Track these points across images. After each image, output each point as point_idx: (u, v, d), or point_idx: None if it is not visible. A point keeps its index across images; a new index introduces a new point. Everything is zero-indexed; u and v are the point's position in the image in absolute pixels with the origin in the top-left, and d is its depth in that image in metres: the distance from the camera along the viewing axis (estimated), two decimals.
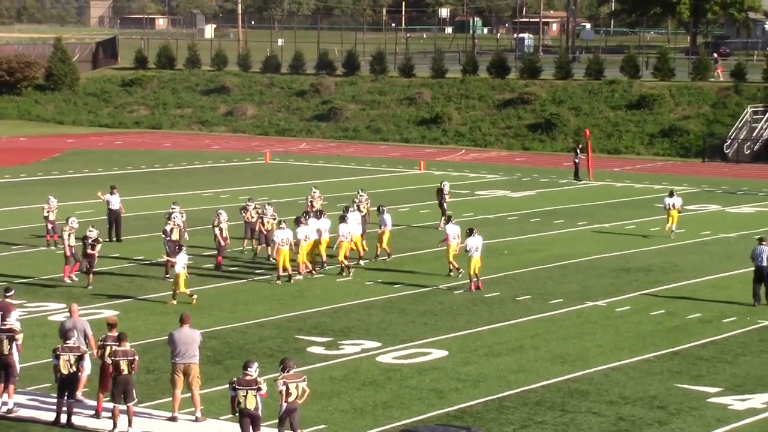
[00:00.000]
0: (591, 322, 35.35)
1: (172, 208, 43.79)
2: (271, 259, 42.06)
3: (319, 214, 43.70)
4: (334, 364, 30.52)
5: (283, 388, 23.42)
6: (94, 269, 38.66)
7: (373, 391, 28.30)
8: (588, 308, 37.07)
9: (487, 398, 27.79)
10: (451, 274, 41.16)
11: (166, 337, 26.97)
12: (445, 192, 53.22)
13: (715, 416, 26.67)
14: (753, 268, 38.33)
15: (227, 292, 38.81)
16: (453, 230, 41.31)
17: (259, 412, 23.49)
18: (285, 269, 39.90)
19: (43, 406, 26.75)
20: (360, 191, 49.42)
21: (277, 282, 39.74)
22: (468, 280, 39.29)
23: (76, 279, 39.27)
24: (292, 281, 39.96)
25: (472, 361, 30.98)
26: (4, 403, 26.74)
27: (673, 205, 51.03)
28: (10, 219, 52.78)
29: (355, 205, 47.06)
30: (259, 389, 23.46)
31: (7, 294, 29.06)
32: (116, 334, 25.86)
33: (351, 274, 41.39)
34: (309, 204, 48.12)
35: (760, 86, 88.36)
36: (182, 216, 43.05)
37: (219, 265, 41.90)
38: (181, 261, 36.47)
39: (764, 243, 38.47)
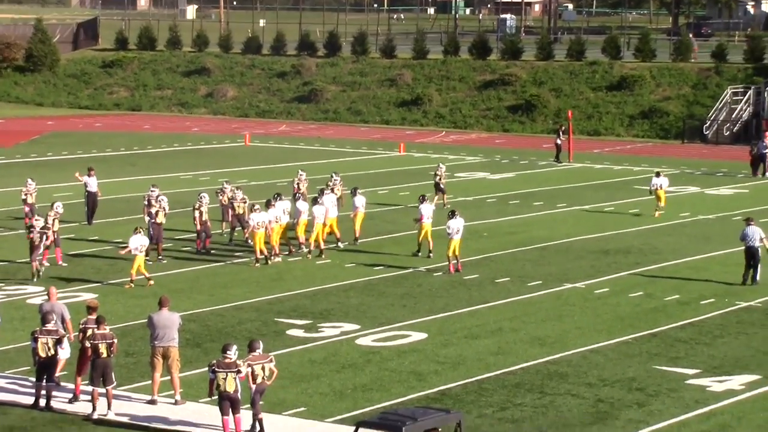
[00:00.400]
0: (570, 305, 35.44)
1: (152, 191, 43.74)
2: (248, 242, 42.04)
3: (298, 197, 43.97)
4: (313, 347, 30.55)
5: (248, 369, 23.52)
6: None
7: (352, 373, 28.36)
8: (567, 290, 37.16)
9: (467, 380, 27.86)
10: (419, 254, 41.37)
11: (146, 320, 27.01)
12: (439, 173, 53.29)
13: (693, 398, 26.78)
14: (737, 249, 38.56)
15: (206, 275, 38.82)
16: (427, 210, 41.48)
17: (239, 394, 23.57)
18: (261, 252, 39.99)
19: (22, 390, 26.76)
20: (334, 174, 49.37)
21: (256, 265, 39.76)
22: (447, 262, 39.34)
23: (48, 264, 39.07)
24: (269, 263, 40.02)
25: (452, 343, 31.04)
26: None
27: (660, 186, 51.83)
28: None
29: (329, 187, 47.03)
30: (238, 372, 23.53)
31: None
32: (93, 316, 25.90)
33: (323, 256, 41.39)
34: (296, 186, 47.91)
35: (740, 67, 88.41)
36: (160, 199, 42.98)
37: (200, 248, 41.89)
38: (136, 243, 36.34)
39: (752, 223, 38.78)
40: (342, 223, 43.82)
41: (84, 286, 36.55)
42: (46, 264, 38.94)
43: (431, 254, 41.03)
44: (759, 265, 38.24)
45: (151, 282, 36.34)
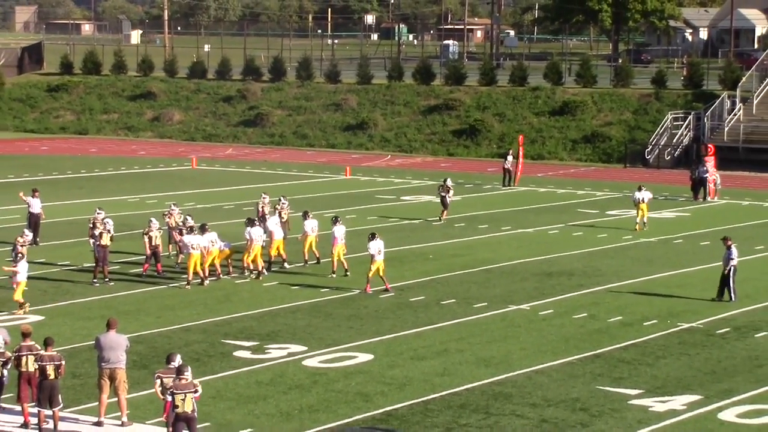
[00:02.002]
0: (515, 326, 35.50)
1: (98, 213, 43.59)
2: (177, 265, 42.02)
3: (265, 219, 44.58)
4: (260, 368, 30.48)
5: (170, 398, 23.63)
6: None
7: (299, 394, 28.30)
8: (512, 312, 37.23)
9: (413, 401, 27.85)
10: (334, 275, 41.69)
11: (93, 342, 26.89)
12: (448, 185, 55.87)
13: (636, 418, 26.89)
14: (679, 271, 38.87)
15: (154, 297, 38.67)
16: (340, 231, 42.11)
17: (195, 414, 23.53)
18: (196, 273, 39.89)
19: None
20: (282, 197, 49.34)
21: (187, 287, 39.66)
22: (366, 282, 39.45)
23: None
24: (203, 284, 39.92)
25: (398, 364, 31.03)
26: None
27: (642, 199, 53.08)
28: None
29: (276, 210, 47.06)
30: (195, 391, 23.49)
31: None
32: (31, 343, 25.70)
33: (257, 277, 41.43)
34: (259, 210, 47.70)
35: (680, 93, 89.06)
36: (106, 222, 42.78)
37: (145, 272, 41.66)
38: (23, 269, 35.92)
39: (730, 241, 39.76)
40: (292, 246, 43.85)
41: (30, 309, 36.24)
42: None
43: (347, 273, 41.59)
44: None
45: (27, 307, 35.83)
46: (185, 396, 23.41)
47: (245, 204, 56.94)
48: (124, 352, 26.11)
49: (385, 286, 39.39)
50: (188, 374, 23.69)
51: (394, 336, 33.93)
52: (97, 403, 26.03)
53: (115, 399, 25.85)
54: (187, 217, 43.93)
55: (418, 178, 72.16)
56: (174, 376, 23.96)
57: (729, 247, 39.51)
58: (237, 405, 27.14)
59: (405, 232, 52.13)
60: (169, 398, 23.58)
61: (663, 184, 69.62)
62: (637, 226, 53.25)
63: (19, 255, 36.99)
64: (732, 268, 39.22)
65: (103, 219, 42.40)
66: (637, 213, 53.59)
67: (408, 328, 34.92)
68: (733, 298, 38.98)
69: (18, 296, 35.50)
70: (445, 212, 55.82)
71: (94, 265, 40.94)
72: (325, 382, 29.32)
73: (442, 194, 55.67)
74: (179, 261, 41.80)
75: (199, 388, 23.71)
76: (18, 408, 25.84)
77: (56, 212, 53.06)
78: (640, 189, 53.77)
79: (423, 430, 25.68)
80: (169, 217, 44.96)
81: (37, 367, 25.27)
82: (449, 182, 56.75)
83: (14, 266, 36.29)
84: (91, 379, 27.42)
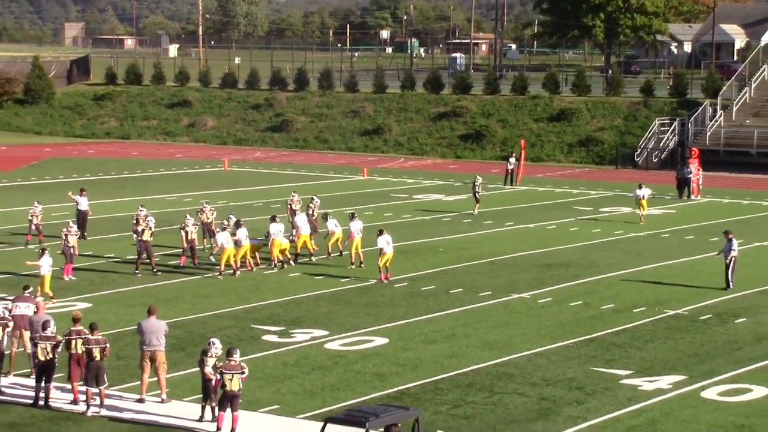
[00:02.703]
0: (516, 313, 35.52)
1: (140, 210, 43.71)
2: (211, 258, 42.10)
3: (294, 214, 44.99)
4: (286, 351, 30.52)
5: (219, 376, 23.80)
6: None
7: (321, 375, 28.33)
8: (514, 300, 37.23)
9: (424, 381, 27.87)
10: (352, 266, 41.60)
11: (135, 327, 26.97)
12: (477, 184, 56.63)
13: (626, 396, 26.88)
14: (666, 263, 38.77)
15: (190, 287, 38.74)
16: (356, 226, 41.96)
17: (240, 392, 23.81)
18: (228, 265, 40.00)
19: (23, 391, 26.67)
20: (314, 196, 49.42)
21: (219, 277, 39.75)
22: (379, 272, 39.50)
23: (75, 278, 39.10)
24: (234, 275, 39.97)
25: (410, 347, 31.05)
26: None
27: (643, 196, 54.30)
28: None
29: (309, 207, 47.21)
30: (242, 372, 23.65)
31: (26, 292, 29.44)
32: (80, 327, 25.81)
33: (282, 267, 41.40)
34: (288, 207, 47.83)
35: (666, 101, 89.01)
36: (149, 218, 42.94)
37: (183, 264, 41.75)
38: (45, 264, 35.89)
39: (731, 235, 39.83)
40: (320, 240, 43.95)
41: (79, 297, 36.38)
42: (74, 278, 39.07)
43: (363, 264, 41.48)
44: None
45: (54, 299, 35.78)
46: (233, 376, 23.59)
47: (273, 202, 57.03)
48: (164, 336, 26.18)
49: (384, 277, 39.34)
50: (237, 356, 23.88)
51: (407, 322, 33.95)
52: (139, 382, 26.11)
53: (156, 378, 25.94)
54: (230, 216, 43.87)
55: (428, 179, 72.17)
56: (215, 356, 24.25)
57: (730, 240, 39.49)
58: (265, 384, 27.19)
59: (416, 227, 52.15)
60: (218, 376, 23.76)
61: (651, 184, 69.13)
62: (641, 220, 53.98)
63: (42, 250, 36.99)
64: (733, 258, 39.23)
65: (145, 216, 42.54)
66: (639, 208, 54.35)
67: (420, 314, 34.96)
68: (730, 286, 38.95)
69: (46, 288, 35.50)
70: (478, 206, 56.41)
71: (136, 257, 41.05)
72: (344, 364, 29.36)
73: (476, 191, 56.54)
74: (214, 252, 41.80)
75: (246, 370, 23.91)
76: (68, 386, 25.96)
77: (102, 209, 53.15)
78: (640, 187, 54.80)
79: (433, 407, 25.68)
80: (201, 214, 45.04)
81: (84, 349, 25.39)
82: (478, 180, 57.40)
83: (36, 262, 36.27)
84: (134, 361, 27.49)
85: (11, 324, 27.57)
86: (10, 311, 28.33)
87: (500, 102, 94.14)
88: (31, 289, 30.40)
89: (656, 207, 58.97)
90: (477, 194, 56.63)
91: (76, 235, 40.65)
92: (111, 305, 35.38)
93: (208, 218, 44.74)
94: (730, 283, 39.10)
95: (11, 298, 30.24)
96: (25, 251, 43.19)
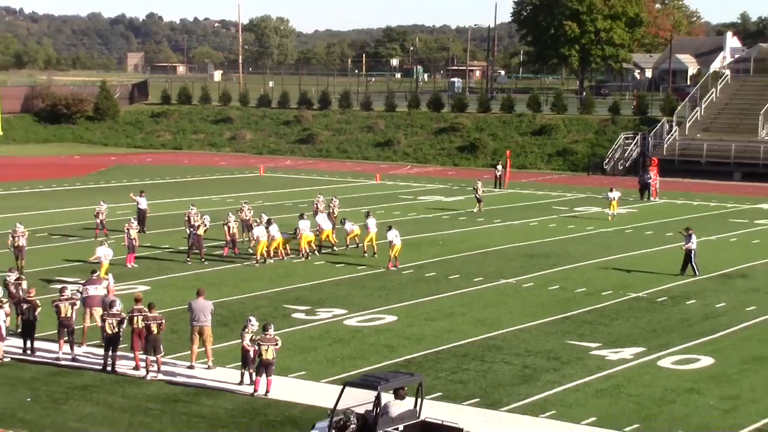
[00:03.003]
0: (504, 295, 35.59)
1: (191, 209, 43.90)
2: (249, 249, 42.14)
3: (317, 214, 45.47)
4: (311, 327, 30.66)
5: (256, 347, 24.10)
6: None
7: (341, 346, 28.47)
8: (502, 284, 37.30)
9: (426, 352, 28.01)
10: (366, 254, 41.65)
11: (186, 306, 27.15)
12: (477, 188, 57.37)
13: (595, 364, 26.99)
14: (629, 254, 38.81)
15: (232, 273, 38.88)
16: (372, 222, 42.20)
17: (275, 360, 24.09)
18: (261, 255, 40.20)
19: (92, 359, 26.85)
20: (334, 197, 49.64)
21: (256, 265, 39.86)
22: (388, 260, 39.66)
23: (137, 266, 39.31)
24: (266, 263, 40.07)
25: (415, 324, 31.16)
26: (66, 354, 26.93)
27: (614, 198, 54.83)
28: (69, 217, 52.61)
29: (330, 207, 47.34)
30: (276, 344, 23.85)
31: (93, 275, 29.72)
32: (140, 306, 26.02)
33: (308, 257, 41.44)
34: (315, 207, 47.91)
35: (630, 118, 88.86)
36: (199, 215, 43.10)
37: (226, 254, 41.91)
38: (103, 253, 35.98)
39: (691, 231, 39.99)
40: (339, 234, 44.03)
41: (140, 281, 36.56)
42: (135, 265, 39.28)
43: (376, 255, 41.56)
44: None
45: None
46: (268, 347, 23.83)
47: (300, 202, 57.10)
48: (210, 314, 26.36)
49: (392, 265, 39.41)
50: (271, 331, 24.13)
51: (412, 302, 34.05)
52: (189, 352, 26.31)
53: (203, 349, 26.11)
54: (262, 214, 44.00)
55: (431, 183, 72.14)
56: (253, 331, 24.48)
57: (689, 235, 39.53)
58: (294, 354, 27.32)
59: (419, 224, 52.22)
60: (256, 348, 24.00)
61: (617, 188, 69.40)
62: (609, 217, 53.98)
63: (102, 241, 37.26)
64: (693, 251, 39.24)
65: (195, 213, 42.78)
66: (610, 207, 54.52)
67: (423, 296, 35.05)
68: (696, 273, 38.95)
69: (102, 273, 35.55)
70: (480, 205, 56.79)
71: (187, 248, 41.25)
72: (360, 337, 29.49)
73: (477, 193, 57.21)
74: (251, 245, 41.89)
75: (279, 342, 24.18)
76: (131, 355, 26.14)
77: (158, 208, 53.30)
78: (611, 190, 55.28)
79: (434, 374, 25.81)
80: (241, 212, 45.17)
81: (144, 324, 25.57)
82: (478, 184, 57.81)
83: (96, 256, 36.25)
84: (185, 334, 27.65)
85: (78, 302, 27.85)
86: (81, 293, 28.61)
87: (491, 119, 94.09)
88: (98, 273, 30.75)
89: (621, 207, 58.87)
90: (477, 196, 56.87)
91: (136, 229, 40.93)
92: (166, 288, 35.57)
93: (246, 216, 44.90)
94: (696, 271, 39.06)
95: (83, 281, 30.41)
96: (94, 243, 43.39)
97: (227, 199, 59.88)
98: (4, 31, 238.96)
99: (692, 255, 39.33)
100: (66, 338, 27.13)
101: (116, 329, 25.88)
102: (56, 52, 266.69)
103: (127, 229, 39.75)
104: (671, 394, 24.76)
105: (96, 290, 28.57)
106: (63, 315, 27.09)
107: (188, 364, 26.24)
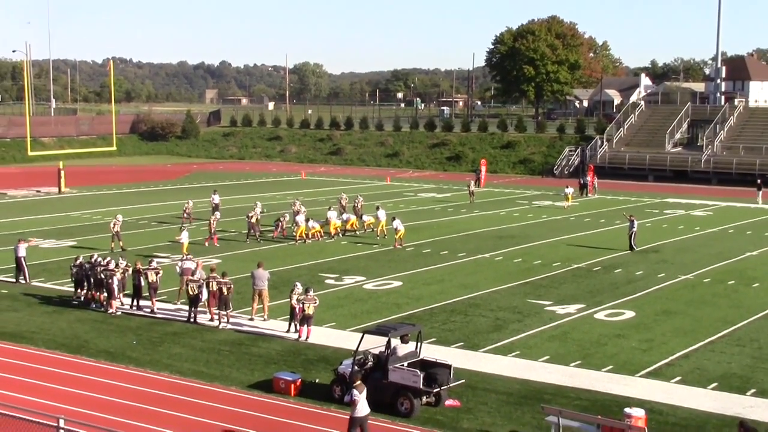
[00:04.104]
0: (481, 266, 35.40)
1: (255, 204, 43.68)
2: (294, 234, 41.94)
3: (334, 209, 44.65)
4: (339, 290, 30.51)
5: (300, 305, 23.79)
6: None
7: (361, 304, 28.32)
8: (479, 258, 37.11)
9: (424, 308, 27.85)
10: (378, 237, 41.23)
11: (249, 274, 27.00)
12: (470, 186, 59.05)
13: (548, 317, 26.80)
14: (573, 235, 38.59)
15: (280, 250, 38.70)
16: (381, 214, 41.75)
17: (314, 315, 23.89)
18: (301, 237, 40.10)
19: (178, 314, 26.70)
20: (359, 195, 49.57)
21: (296, 244, 39.62)
22: (393, 242, 39.50)
23: (217, 245, 38.98)
24: (306, 242, 39.90)
25: (416, 288, 30.99)
26: (149, 308, 26.81)
27: (569, 193, 56.10)
28: (163, 209, 52.53)
29: (355, 204, 47.05)
30: (315, 302, 23.72)
31: (188, 257, 29.60)
32: (215, 274, 25.92)
33: (333, 239, 41.16)
34: (339, 203, 47.62)
35: (572, 136, 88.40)
36: (259, 208, 42.92)
37: (276, 236, 41.77)
38: (184, 237, 36.01)
39: (633, 217, 39.82)
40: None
41: (214, 255, 36.41)
42: (217, 245, 39.02)
43: (385, 236, 41.15)
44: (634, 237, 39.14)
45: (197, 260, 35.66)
46: (309, 305, 23.69)
47: (332, 198, 56.94)
48: (267, 280, 26.21)
49: (398, 245, 39.11)
50: (311, 293, 24.00)
51: (413, 272, 33.88)
52: (250, 308, 26.16)
53: (261, 306, 25.96)
54: (300, 206, 43.88)
55: (427, 184, 71.91)
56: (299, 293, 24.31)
57: (632, 221, 39.33)
58: (327, 309, 27.17)
59: (418, 213, 52.03)
60: (300, 305, 23.86)
61: (562, 187, 69.14)
62: (565, 206, 54.37)
63: (182, 227, 37.29)
64: (633, 233, 39.01)
65: (256, 209, 42.34)
66: (565, 200, 55.24)
67: (421, 267, 34.88)
68: (634, 248, 38.71)
69: (184, 249, 35.32)
70: (473, 197, 57.95)
71: (246, 232, 41.09)
72: (375, 297, 29.33)
73: (471, 188, 58.84)
74: (294, 230, 41.59)
75: (317, 301, 24.04)
76: (206, 311, 26.02)
77: (228, 203, 53.23)
78: (567, 187, 56.80)
79: (430, 324, 25.63)
80: (293, 206, 44.99)
81: (217, 287, 25.44)
82: (472, 185, 59.38)
83: (179, 237, 36.32)
84: (247, 295, 27.52)
85: (161, 271, 27.60)
86: (179, 266, 28.31)
87: (471, 136, 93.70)
88: (191, 255, 30.49)
89: (563, 202, 58.68)
90: (471, 190, 58.42)
91: (216, 219, 40.71)
92: (234, 261, 35.40)
93: (297, 208, 44.58)
94: (634, 247, 38.78)
95: (179, 257, 30.25)
96: (180, 228, 43.34)
97: (277, 196, 59.76)
98: (119, 74, 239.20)
99: (632, 235, 39.04)
100: (156, 298, 27.04)
101: (196, 291, 25.74)
102: (155, 90, 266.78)
103: (212, 220, 39.92)
104: (604, 338, 24.55)
105: (190, 263, 28.40)
106: (151, 280, 27.02)
107: (249, 317, 26.10)
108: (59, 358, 22.37)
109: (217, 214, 41.07)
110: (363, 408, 16.53)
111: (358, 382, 16.79)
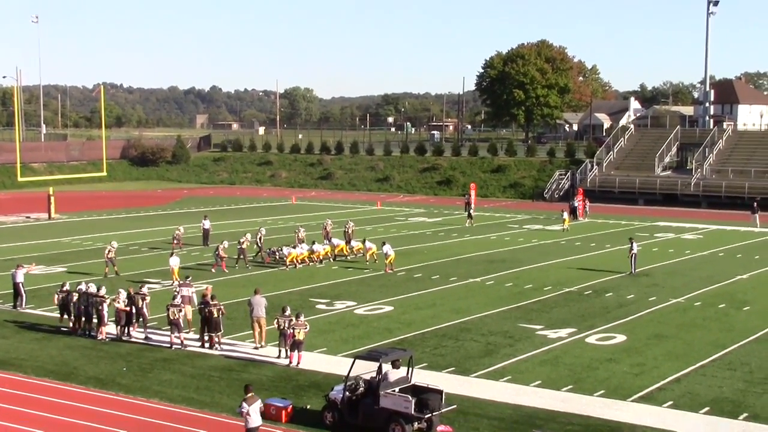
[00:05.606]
0: (473, 290, 35.37)
1: (258, 232, 43.53)
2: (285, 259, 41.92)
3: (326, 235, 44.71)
4: (330, 315, 30.42)
5: (291, 330, 23.84)
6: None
7: (352, 329, 28.23)
8: (471, 282, 37.10)
9: (415, 333, 27.77)
10: (368, 262, 41.16)
11: (237, 300, 26.89)
12: (471, 201, 60.89)
13: (540, 341, 26.76)
14: (564, 259, 38.62)
15: (271, 275, 38.63)
16: (369, 244, 41.71)
17: (305, 340, 23.79)
18: (292, 262, 40.11)
19: (167, 337, 26.52)
20: (349, 220, 49.53)
21: (286, 269, 39.58)
22: (384, 267, 39.48)
23: (227, 271, 38.87)
24: (296, 269, 39.79)
25: (407, 312, 30.93)
26: (140, 333, 26.66)
27: (564, 217, 56.68)
28: (153, 234, 52.42)
29: (346, 229, 46.93)
30: (305, 327, 23.67)
31: (187, 280, 29.32)
32: (207, 299, 25.80)
33: (320, 262, 41.15)
34: (324, 228, 47.40)
35: (563, 160, 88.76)
36: (254, 234, 42.78)
37: (269, 261, 41.69)
38: (174, 262, 35.57)
39: (632, 239, 39.99)
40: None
41: (204, 281, 36.23)
42: (226, 270, 38.92)
43: (376, 261, 41.12)
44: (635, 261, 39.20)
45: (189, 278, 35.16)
46: (300, 330, 23.63)
47: (321, 222, 56.94)
48: (264, 307, 26.04)
49: (389, 269, 39.08)
50: (302, 318, 23.95)
51: (405, 296, 33.83)
52: (241, 333, 26.01)
53: (250, 331, 25.85)
54: (300, 228, 43.91)
55: (417, 209, 71.99)
56: (288, 318, 24.18)
57: (632, 243, 39.40)
58: (318, 335, 27.08)
59: (409, 238, 52.05)
60: (290, 330, 23.79)
61: (553, 210, 69.29)
62: (563, 230, 55.10)
63: (172, 252, 37.10)
64: (634, 255, 39.05)
65: (245, 234, 42.27)
66: (563, 222, 56.21)
67: (412, 291, 34.83)
68: (633, 272, 38.69)
69: (175, 276, 35.22)
70: (470, 221, 58.59)
71: (236, 257, 40.96)
72: (366, 322, 29.26)
73: (468, 210, 59.69)
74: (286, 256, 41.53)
75: (308, 326, 23.98)
76: (197, 336, 25.91)
77: (218, 228, 53.14)
78: (563, 212, 57.56)
79: (421, 349, 25.55)
80: (296, 232, 44.69)
81: (208, 310, 25.36)
82: (472, 208, 60.06)
83: (171, 266, 35.82)
84: (237, 321, 27.39)
85: (149, 297, 27.32)
86: (176, 293, 28.04)
87: (461, 161, 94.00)
88: (190, 278, 30.20)
89: (556, 225, 58.90)
90: (470, 212, 59.25)
91: (224, 247, 39.89)
92: (224, 286, 35.24)
93: (301, 237, 44.25)
94: (633, 271, 38.85)
95: (179, 283, 30.12)
96: (170, 254, 43.27)
97: (267, 221, 59.74)
98: (109, 100, 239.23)
99: (634, 258, 39.08)
100: (140, 323, 26.95)
101: (177, 315, 25.61)
102: (145, 115, 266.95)
103: (220, 249, 39.46)
104: (596, 362, 24.53)
105: (187, 291, 28.27)
106: (139, 306, 26.94)
107: (255, 345, 25.64)
108: (48, 386, 22.24)
109: (225, 242, 40.75)
110: (256, 419, 17.25)
111: (251, 394, 17.25)
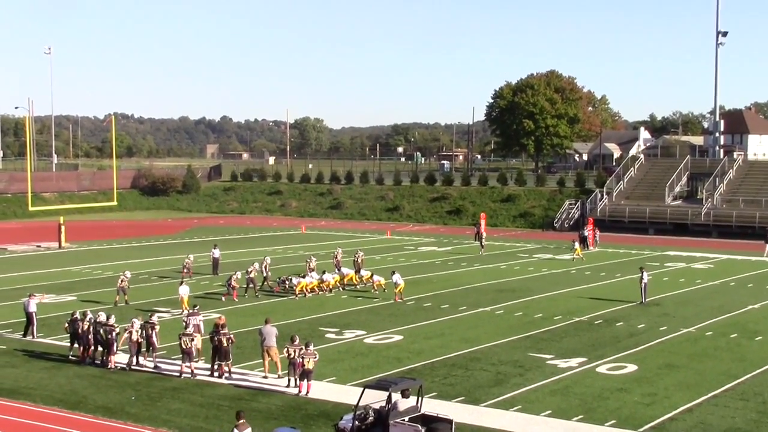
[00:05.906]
0: (482, 319, 35.30)
1: (265, 260, 43.55)
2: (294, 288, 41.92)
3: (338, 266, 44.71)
4: (340, 344, 30.38)
5: (300, 359, 23.68)
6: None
7: (361, 358, 28.17)
8: (480, 311, 37.03)
9: (424, 362, 27.69)
10: (375, 291, 41.18)
11: (247, 329, 26.87)
12: (481, 228, 61.57)
13: (550, 371, 26.64)
14: (575, 288, 38.45)
15: (281, 304, 38.64)
16: (377, 277, 41.79)
17: (314, 369, 23.70)
18: (302, 292, 40.12)
19: (176, 366, 26.49)
20: (359, 250, 49.61)
21: (296, 298, 39.60)
22: (394, 296, 39.47)
23: (237, 300, 38.87)
24: (306, 297, 39.83)
25: (416, 341, 30.86)
26: (150, 362, 26.63)
27: (576, 246, 57.16)
28: (163, 264, 52.55)
29: (356, 258, 46.91)
30: (315, 357, 23.61)
31: (195, 309, 29.42)
32: (219, 329, 25.81)
33: (330, 291, 41.19)
34: (334, 257, 47.40)
35: (573, 189, 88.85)
36: (259, 264, 42.84)
37: (278, 290, 41.72)
38: (184, 291, 35.69)
39: (643, 268, 39.86)
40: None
41: (215, 310, 36.31)
42: (236, 300, 38.93)
43: (385, 291, 41.01)
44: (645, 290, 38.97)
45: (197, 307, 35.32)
46: (309, 359, 23.57)
47: (331, 252, 57.02)
48: (275, 337, 26.02)
49: (398, 299, 39.10)
50: (311, 347, 23.91)
51: (414, 325, 33.78)
52: (251, 362, 25.98)
53: (270, 361, 25.81)
54: (312, 258, 43.97)
55: (427, 238, 72.02)
56: (298, 347, 24.15)
57: (642, 272, 39.29)
58: (327, 364, 27.03)
59: (419, 267, 52.02)
60: (299, 360, 23.75)
61: (563, 240, 69.22)
62: (574, 259, 55.30)
63: (182, 280, 37.13)
64: (644, 284, 38.93)
65: (254, 263, 42.32)
66: (575, 252, 56.54)
67: (422, 320, 34.78)
68: (644, 301, 38.57)
69: (184, 305, 35.30)
70: (482, 249, 59.26)
71: (245, 286, 40.98)
72: (376, 351, 29.20)
73: (480, 240, 60.39)
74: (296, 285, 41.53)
75: (317, 355, 23.92)
76: (208, 365, 25.88)
77: (228, 257, 53.26)
78: (574, 242, 58.02)
79: (431, 378, 25.47)
80: (308, 262, 44.65)
81: (217, 339, 25.35)
82: (483, 237, 60.62)
83: (180, 295, 35.93)
84: (246, 350, 27.33)
85: (158, 326, 27.25)
86: (186, 322, 28.12)
87: (471, 190, 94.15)
88: (198, 306, 30.31)
89: (566, 254, 58.79)
90: (482, 235, 60.18)
91: (236, 278, 39.91)
92: (234, 315, 35.26)
93: (312, 266, 44.25)
94: (644, 300, 38.72)
95: (188, 312, 30.16)
96: (180, 282, 43.33)
97: (277, 250, 59.82)
98: (120, 130, 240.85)
99: (645, 287, 38.97)
100: (149, 352, 26.96)
101: (189, 345, 25.62)
102: (156, 145, 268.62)
103: (233, 279, 39.39)
104: (606, 392, 24.40)
105: (196, 320, 28.34)
106: (149, 335, 26.95)
107: (263, 375, 25.60)
108: (57, 415, 22.24)
109: (238, 273, 40.81)
110: None
111: (242, 420, 17.16)
